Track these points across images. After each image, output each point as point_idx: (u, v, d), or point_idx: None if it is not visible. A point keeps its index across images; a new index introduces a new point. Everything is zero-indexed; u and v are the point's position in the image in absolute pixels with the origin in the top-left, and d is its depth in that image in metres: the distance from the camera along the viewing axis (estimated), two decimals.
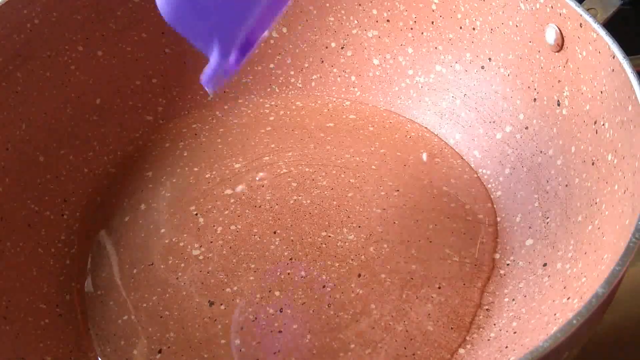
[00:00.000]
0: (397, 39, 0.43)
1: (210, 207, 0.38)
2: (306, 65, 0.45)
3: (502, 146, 0.39)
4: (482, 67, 0.40)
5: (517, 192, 0.37)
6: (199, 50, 0.26)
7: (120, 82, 0.43)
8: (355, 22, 0.44)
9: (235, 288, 0.34)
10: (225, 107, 0.45)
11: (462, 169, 0.40)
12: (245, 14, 0.24)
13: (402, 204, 0.38)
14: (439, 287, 0.34)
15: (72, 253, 0.37)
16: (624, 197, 0.28)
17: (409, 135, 0.42)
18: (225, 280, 0.35)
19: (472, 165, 0.40)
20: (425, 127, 0.43)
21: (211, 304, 0.34)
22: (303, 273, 0.35)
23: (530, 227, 0.35)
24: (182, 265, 0.36)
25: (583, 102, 0.33)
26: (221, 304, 0.34)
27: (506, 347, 0.30)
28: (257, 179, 0.40)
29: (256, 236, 0.37)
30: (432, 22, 0.42)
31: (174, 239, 0.37)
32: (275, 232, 0.37)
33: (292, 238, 0.37)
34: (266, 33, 0.28)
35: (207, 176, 0.40)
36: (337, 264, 0.35)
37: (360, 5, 0.44)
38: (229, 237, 0.37)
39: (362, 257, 0.35)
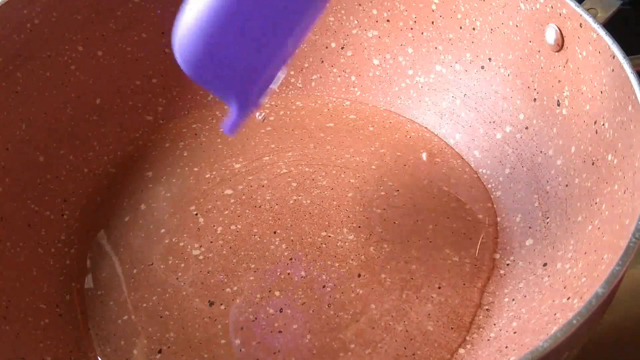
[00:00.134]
0: (397, 39, 0.43)
1: (210, 207, 0.38)
2: (306, 65, 0.45)
3: (502, 146, 0.39)
4: (482, 67, 0.40)
5: (517, 192, 0.37)
6: None
7: (120, 82, 0.43)
8: (355, 22, 0.44)
9: (235, 288, 0.34)
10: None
11: (462, 169, 0.40)
12: (260, 75, 0.25)
13: (402, 204, 0.38)
14: (439, 287, 0.34)
15: (72, 253, 0.37)
16: (624, 197, 0.28)
17: (409, 135, 0.42)
18: (225, 280, 0.35)
19: (472, 165, 0.40)
20: (425, 127, 0.43)
21: (211, 304, 0.34)
22: (303, 273, 0.35)
23: (530, 227, 0.35)
24: (182, 265, 0.36)
25: (583, 102, 0.33)
26: (221, 304, 0.34)
27: (506, 347, 0.30)
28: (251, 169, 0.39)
29: (256, 236, 0.37)
30: (432, 22, 0.42)
31: (174, 239, 0.37)
32: (275, 232, 0.37)
33: (292, 238, 0.37)
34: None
35: (207, 176, 0.40)
36: (337, 264, 0.35)
37: (360, 5, 0.44)
38: (229, 237, 0.37)
39: (362, 257, 0.35)
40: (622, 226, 0.26)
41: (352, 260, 0.35)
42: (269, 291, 0.34)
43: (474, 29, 0.40)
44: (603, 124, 0.31)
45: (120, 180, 0.40)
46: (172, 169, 0.41)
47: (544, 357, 0.21)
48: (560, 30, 0.34)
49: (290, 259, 0.36)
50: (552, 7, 0.34)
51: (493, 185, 0.39)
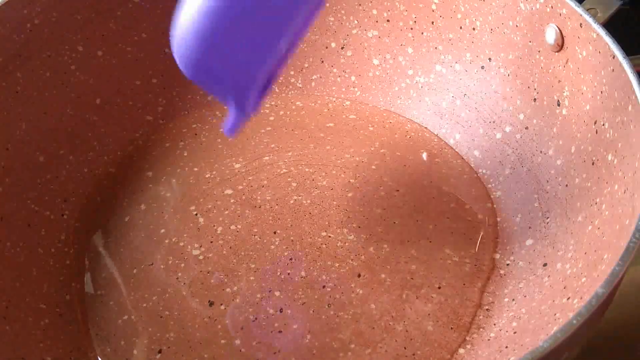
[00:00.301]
0: (397, 39, 0.43)
1: (210, 207, 0.38)
2: (306, 65, 0.45)
3: (502, 146, 0.39)
4: (482, 67, 0.40)
5: (517, 192, 0.37)
6: None
7: (120, 82, 0.43)
8: (355, 22, 0.44)
9: (235, 288, 0.34)
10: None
11: (462, 169, 0.40)
12: (258, 75, 0.25)
13: (402, 204, 0.38)
14: (439, 287, 0.34)
15: (72, 253, 0.37)
16: (624, 197, 0.28)
17: (409, 135, 0.42)
18: (225, 280, 0.35)
19: (472, 165, 0.40)
20: (425, 127, 0.43)
21: (211, 304, 0.34)
22: (303, 273, 0.35)
23: (530, 227, 0.35)
24: (182, 265, 0.36)
25: (583, 102, 0.33)
26: (221, 304, 0.34)
27: (506, 347, 0.30)
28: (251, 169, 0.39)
29: (256, 236, 0.37)
30: (432, 22, 0.42)
31: (174, 239, 0.37)
32: (275, 232, 0.37)
33: (292, 238, 0.37)
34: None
35: (207, 176, 0.40)
36: (337, 264, 0.35)
37: (360, 5, 0.44)
38: (229, 237, 0.37)
39: (362, 257, 0.35)
40: (622, 226, 0.26)
41: (352, 260, 0.35)
42: (269, 291, 0.34)
43: (474, 29, 0.40)
44: (603, 124, 0.31)
45: (120, 180, 0.40)
46: (172, 169, 0.41)
47: (544, 357, 0.21)
48: (560, 30, 0.34)
49: (290, 259, 0.36)
50: (552, 7, 0.34)
51: (493, 185, 0.39)
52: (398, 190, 0.39)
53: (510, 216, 0.37)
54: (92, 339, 0.33)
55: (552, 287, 0.30)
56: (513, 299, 0.33)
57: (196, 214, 0.38)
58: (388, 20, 0.43)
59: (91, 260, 0.36)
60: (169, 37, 0.25)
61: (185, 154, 0.42)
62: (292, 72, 0.45)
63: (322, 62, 0.45)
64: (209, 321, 0.33)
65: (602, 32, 0.31)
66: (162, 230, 0.37)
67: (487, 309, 0.33)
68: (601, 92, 0.31)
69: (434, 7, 0.41)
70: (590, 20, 0.31)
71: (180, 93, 0.44)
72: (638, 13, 0.43)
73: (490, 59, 0.40)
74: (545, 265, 0.32)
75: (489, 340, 0.31)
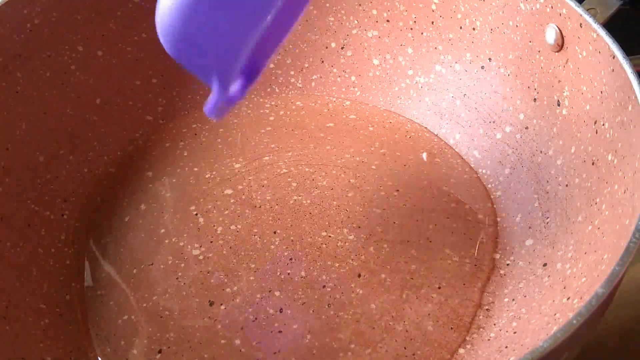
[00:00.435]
0: (397, 39, 0.43)
1: (210, 207, 0.38)
2: (306, 65, 0.45)
3: (502, 146, 0.39)
4: (482, 67, 0.40)
5: (517, 192, 0.37)
6: None
7: (120, 82, 0.43)
8: (355, 22, 0.44)
9: (235, 288, 0.34)
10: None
11: (462, 169, 0.40)
12: (241, 51, 0.24)
13: (402, 204, 0.38)
14: (439, 287, 0.34)
15: (71, 253, 0.37)
16: (624, 197, 0.28)
17: (409, 135, 0.42)
18: (225, 280, 0.35)
19: (472, 165, 0.40)
20: (425, 127, 0.43)
21: (211, 304, 0.34)
22: (303, 273, 0.35)
23: (530, 227, 0.35)
24: (182, 265, 0.36)
25: (583, 102, 0.33)
26: (221, 304, 0.34)
27: (506, 347, 0.30)
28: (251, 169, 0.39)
29: (256, 236, 0.37)
30: (432, 22, 0.42)
31: (174, 239, 0.37)
32: (275, 232, 0.37)
33: (292, 238, 0.37)
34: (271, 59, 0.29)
35: (207, 176, 0.40)
36: (337, 264, 0.35)
37: (360, 5, 0.44)
38: (229, 237, 0.37)
39: (362, 257, 0.35)
40: (622, 226, 0.26)
41: (352, 260, 0.35)
42: (269, 291, 0.34)
43: (474, 29, 0.40)
44: (603, 124, 0.31)
45: (120, 180, 0.40)
46: (172, 169, 0.41)
47: (544, 357, 0.21)
48: (560, 30, 0.34)
49: (290, 259, 0.36)
50: (552, 7, 0.34)
51: (493, 185, 0.39)
52: (398, 190, 0.39)
53: (510, 216, 0.37)
54: (92, 339, 0.33)
55: (552, 287, 0.30)
56: (513, 299, 0.33)
57: (196, 214, 0.38)
58: (388, 20, 0.43)
59: (91, 260, 0.36)
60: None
61: (185, 154, 0.42)
62: (292, 72, 0.45)
63: (322, 62, 0.45)
64: (209, 321, 0.33)
65: (602, 32, 0.31)
66: (162, 230, 0.37)
67: (487, 309, 0.33)
68: (601, 92, 0.31)
69: (434, 7, 0.41)
70: (590, 20, 0.31)
71: (180, 93, 0.44)
72: (638, 13, 0.43)
73: (490, 59, 0.40)
74: (545, 265, 0.32)
75: (489, 340, 0.31)
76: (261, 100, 0.45)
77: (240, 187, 0.39)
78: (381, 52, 0.44)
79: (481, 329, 0.32)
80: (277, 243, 0.36)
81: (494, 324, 0.32)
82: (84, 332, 0.33)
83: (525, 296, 0.32)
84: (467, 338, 0.32)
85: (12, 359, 0.30)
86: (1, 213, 0.35)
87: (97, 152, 0.41)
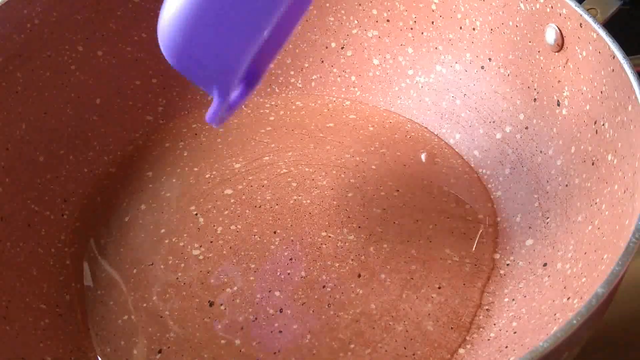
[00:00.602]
0: (397, 39, 0.43)
1: (210, 207, 0.38)
2: (306, 65, 0.45)
3: (502, 146, 0.39)
4: (482, 67, 0.40)
5: (517, 192, 0.37)
6: None
7: (120, 82, 0.43)
8: (355, 22, 0.44)
9: (235, 288, 0.34)
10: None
11: (462, 169, 0.40)
12: (241, 63, 0.25)
13: (402, 204, 0.38)
14: (439, 287, 0.34)
15: (71, 253, 0.37)
16: (624, 197, 0.28)
17: (409, 135, 0.42)
18: (225, 280, 0.35)
19: (472, 165, 0.40)
20: (425, 127, 0.43)
21: (211, 304, 0.34)
22: (303, 273, 0.35)
23: (530, 227, 0.35)
24: (182, 265, 0.36)
25: (583, 102, 0.33)
26: (221, 304, 0.34)
27: (506, 347, 0.30)
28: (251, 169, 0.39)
29: (256, 236, 0.37)
30: (432, 22, 0.42)
31: (174, 239, 0.37)
32: (275, 232, 0.37)
33: (292, 238, 0.37)
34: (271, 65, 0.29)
35: (207, 176, 0.40)
36: (337, 264, 0.35)
37: (360, 5, 0.44)
38: (229, 237, 0.37)
39: (362, 257, 0.35)
40: (622, 226, 0.26)
41: (352, 260, 0.35)
42: (269, 291, 0.34)
43: (474, 29, 0.40)
44: (603, 124, 0.31)
45: (120, 180, 0.40)
46: (172, 169, 0.41)
47: (544, 357, 0.21)
48: (560, 30, 0.34)
49: (290, 259, 0.36)
50: (552, 7, 0.34)
51: (493, 185, 0.39)
52: (398, 190, 0.39)
53: (510, 216, 0.37)
54: (92, 339, 0.33)
55: (552, 287, 0.30)
56: (513, 299, 0.33)
57: (196, 214, 0.38)
58: (388, 20, 0.43)
59: (91, 260, 0.36)
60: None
61: (185, 154, 0.42)
62: (292, 72, 0.45)
63: (322, 62, 0.45)
64: (209, 321, 0.33)
65: (602, 32, 0.31)
66: (162, 230, 0.37)
67: (487, 309, 0.33)
68: (601, 92, 0.31)
69: (434, 7, 0.41)
70: (590, 20, 0.31)
71: (180, 93, 0.44)
72: (638, 13, 0.43)
73: (490, 59, 0.40)
74: (545, 265, 0.32)
75: (489, 340, 0.31)
76: (261, 100, 0.45)
77: (240, 187, 0.39)
78: (381, 52, 0.44)
79: (481, 329, 0.32)
80: (277, 243, 0.36)
81: (494, 324, 0.32)
82: (84, 332, 0.33)
83: (525, 296, 0.32)
84: (467, 338, 0.32)
85: (12, 359, 0.30)
86: (1, 213, 0.35)
87: (97, 152, 0.41)
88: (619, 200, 0.28)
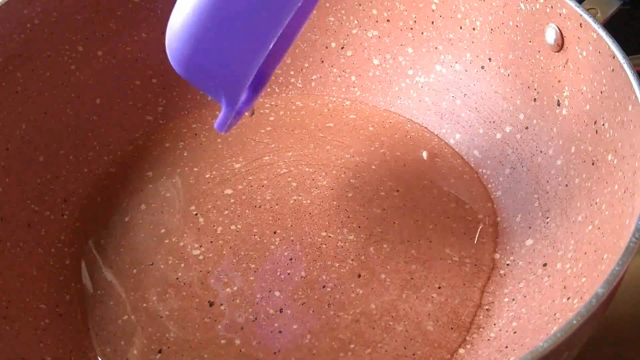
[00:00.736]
0: (397, 39, 0.43)
1: (210, 207, 0.38)
2: (306, 65, 0.45)
3: (502, 146, 0.39)
4: (482, 67, 0.40)
5: (517, 192, 0.37)
6: None
7: (120, 82, 0.43)
8: (355, 22, 0.44)
9: (235, 288, 0.34)
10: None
11: (462, 169, 0.40)
12: (248, 72, 0.25)
13: (402, 204, 0.38)
14: (439, 287, 0.34)
15: (71, 253, 0.37)
16: (624, 197, 0.28)
17: (409, 135, 0.42)
18: (225, 280, 0.35)
19: (472, 165, 0.40)
20: (425, 127, 0.43)
21: (211, 304, 0.34)
22: (303, 273, 0.35)
23: (530, 227, 0.35)
24: (182, 265, 0.36)
25: (583, 102, 0.33)
26: (221, 304, 0.34)
27: (506, 347, 0.30)
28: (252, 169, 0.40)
29: (256, 236, 0.37)
30: (432, 22, 0.42)
31: (174, 239, 0.37)
32: (275, 232, 0.37)
33: (292, 238, 0.37)
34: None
35: (207, 176, 0.40)
36: (337, 264, 0.35)
37: (360, 5, 0.44)
38: (229, 237, 0.37)
39: (362, 257, 0.35)
40: (622, 226, 0.26)
41: (352, 260, 0.35)
42: (269, 291, 0.34)
43: (474, 29, 0.40)
44: (603, 124, 0.31)
45: (120, 180, 0.40)
46: (172, 169, 0.41)
47: (544, 357, 0.21)
48: (560, 30, 0.34)
49: (290, 259, 0.36)
50: (552, 7, 0.34)
51: (493, 185, 0.39)
52: (398, 190, 0.39)
53: (510, 216, 0.37)
54: (92, 339, 0.33)
55: (552, 287, 0.30)
56: (513, 299, 0.33)
57: (196, 214, 0.38)
58: (388, 20, 0.43)
59: (91, 260, 0.36)
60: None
61: (185, 154, 0.42)
62: (292, 72, 0.45)
63: (322, 62, 0.45)
64: (209, 321, 0.33)
65: (602, 32, 0.31)
66: (162, 230, 0.37)
67: (487, 309, 0.33)
68: (601, 92, 0.31)
69: (434, 7, 0.41)
70: (590, 20, 0.31)
71: (180, 93, 0.44)
72: (638, 13, 0.43)
73: (490, 59, 0.40)
74: (545, 265, 0.32)
75: (489, 340, 0.31)
76: (261, 100, 0.45)
77: (240, 187, 0.39)
78: (381, 52, 0.44)
79: (481, 329, 0.32)
80: (277, 243, 0.36)
81: (494, 324, 0.32)
82: (84, 332, 0.33)
83: (525, 296, 0.32)
84: (467, 338, 0.32)
85: (12, 359, 0.30)
86: (1, 213, 0.35)
87: (97, 152, 0.41)
88: (619, 200, 0.28)
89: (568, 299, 0.28)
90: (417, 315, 0.33)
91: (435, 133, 0.42)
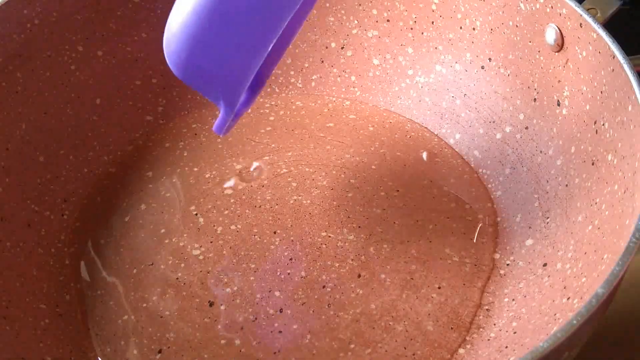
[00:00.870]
0: (397, 39, 0.43)
1: (210, 207, 0.38)
2: (306, 65, 0.45)
3: (502, 146, 0.39)
4: (482, 67, 0.40)
5: (517, 192, 0.37)
6: None
7: (120, 82, 0.43)
8: (355, 22, 0.44)
9: (235, 288, 0.34)
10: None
11: (462, 169, 0.40)
12: (247, 75, 0.25)
13: (402, 204, 0.38)
14: (439, 287, 0.34)
15: (71, 253, 0.37)
16: (624, 197, 0.28)
17: (409, 135, 0.42)
18: (225, 280, 0.35)
19: (472, 165, 0.40)
20: (425, 127, 0.43)
21: (211, 304, 0.34)
22: (303, 273, 0.35)
23: (530, 227, 0.35)
24: (182, 265, 0.36)
25: (583, 102, 0.33)
26: (221, 304, 0.34)
27: (506, 347, 0.30)
28: (252, 169, 0.40)
29: (256, 236, 0.37)
30: (432, 22, 0.42)
31: (174, 239, 0.37)
32: (275, 232, 0.37)
33: (292, 238, 0.37)
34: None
35: (207, 176, 0.40)
36: (337, 264, 0.35)
37: (360, 5, 0.44)
38: (229, 237, 0.37)
39: (362, 257, 0.35)
40: (622, 226, 0.26)
41: (352, 260, 0.35)
42: (269, 291, 0.34)
43: (474, 29, 0.40)
44: (603, 124, 0.31)
45: (120, 180, 0.40)
46: (172, 169, 0.41)
47: (544, 357, 0.21)
48: (560, 30, 0.34)
49: (290, 259, 0.36)
50: (552, 7, 0.34)
51: (493, 185, 0.39)
52: (398, 190, 0.39)
53: (510, 216, 0.37)
54: (92, 339, 0.33)
55: (552, 287, 0.30)
56: (513, 299, 0.33)
57: (196, 214, 0.38)
58: (388, 20, 0.43)
59: (91, 260, 0.36)
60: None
61: (185, 154, 0.42)
62: (292, 72, 0.45)
63: (322, 62, 0.45)
64: (209, 321, 0.33)
65: (602, 32, 0.31)
66: (162, 230, 0.37)
67: (487, 309, 0.33)
68: (601, 92, 0.31)
69: (434, 7, 0.41)
70: (590, 20, 0.31)
71: (180, 93, 0.44)
72: (638, 13, 0.43)
73: (490, 59, 0.40)
74: (545, 265, 0.32)
75: (489, 340, 0.31)
76: (261, 100, 0.45)
77: (240, 187, 0.39)
78: (381, 52, 0.44)
79: (481, 329, 0.32)
80: (277, 243, 0.36)
81: (494, 324, 0.32)
82: (84, 332, 0.33)
83: (525, 296, 0.32)
84: (467, 338, 0.32)
85: (12, 359, 0.30)
86: (1, 213, 0.35)
87: (97, 152, 0.41)
88: (619, 200, 0.28)
89: (568, 299, 0.28)
90: (417, 315, 0.33)
91: (435, 133, 0.42)
